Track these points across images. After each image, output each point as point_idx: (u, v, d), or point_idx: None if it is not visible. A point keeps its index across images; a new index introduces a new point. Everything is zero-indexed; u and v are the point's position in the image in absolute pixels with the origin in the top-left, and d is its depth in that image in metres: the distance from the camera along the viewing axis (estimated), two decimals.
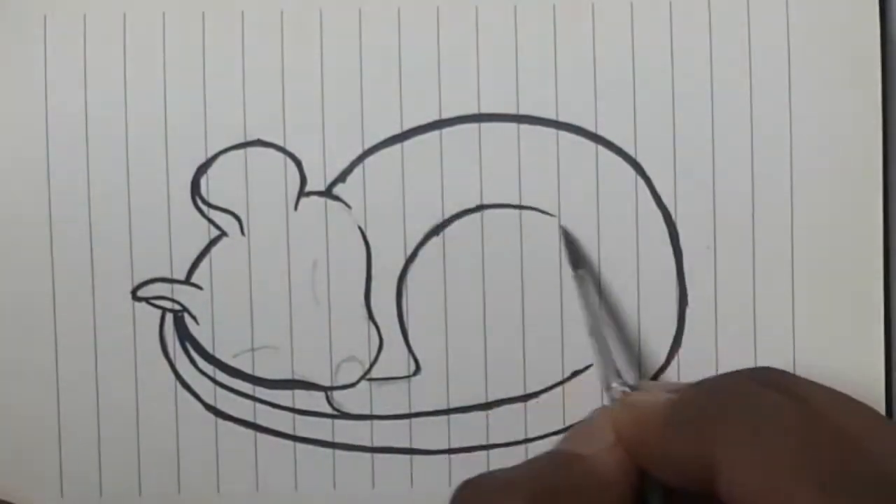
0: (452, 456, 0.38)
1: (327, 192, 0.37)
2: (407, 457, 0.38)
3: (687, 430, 0.28)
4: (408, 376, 0.38)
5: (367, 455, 0.38)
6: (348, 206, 0.37)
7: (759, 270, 0.38)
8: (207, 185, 0.37)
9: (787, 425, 0.27)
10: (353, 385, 0.38)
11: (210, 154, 0.37)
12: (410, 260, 0.38)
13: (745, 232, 0.38)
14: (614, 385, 0.33)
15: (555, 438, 0.37)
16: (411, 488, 0.38)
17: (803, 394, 0.29)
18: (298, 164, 0.37)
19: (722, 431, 0.27)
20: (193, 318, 0.38)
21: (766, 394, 0.28)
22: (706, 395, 0.29)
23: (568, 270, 0.37)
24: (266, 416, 0.38)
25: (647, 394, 0.31)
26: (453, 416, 0.38)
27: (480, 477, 0.29)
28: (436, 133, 0.37)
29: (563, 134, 0.37)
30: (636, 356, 0.37)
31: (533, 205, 0.37)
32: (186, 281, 0.37)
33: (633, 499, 0.29)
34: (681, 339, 0.38)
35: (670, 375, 0.38)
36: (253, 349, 0.38)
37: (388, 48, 0.37)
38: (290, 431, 0.38)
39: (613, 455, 0.29)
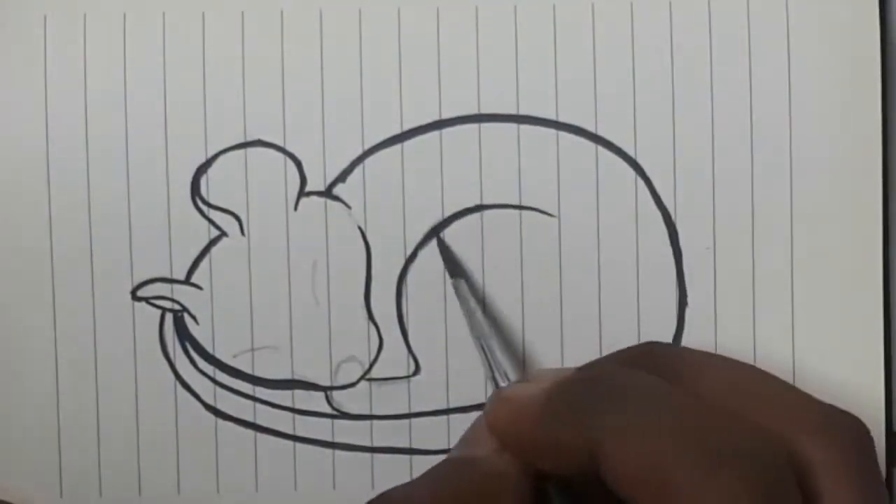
0: None
1: (327, 193, 0.37)
2: (407, 457, 0.38)
3: (562, 421, 0.28)
4: (407, 376, 0.38)
5: (367, 455, 0.38)
6: (348, 206, 0.37)
7: (758, 270, 0.38)
8: (207, 186, 0.37)
9: (662, 407, 0.27)
10: (352, 385, 0.38)
11: (210, 154, 0.37)
12: (410, 260, 0.38)
13: (745, 232, 0.38)
14: (501, 385, 0.33)
15: None
16: None
17: (679, 369, 0.29)
18: (298, 164, 0.37)
19: (598, 419, 0.27)
20: (193, 318, 0.38)
21: (640, 377, 0.28)
22: (581, 383, 0.29)
23: (568, 272, 0.37)
24: (266, 416, 0.38)
25: (521, 386, 0.30)
26: (453, 416, 0.38)
27: (389, 491, 0.29)
28: (436, 133, 0.37)
29: (563, 134, 0.37)
30: (521, 360, 0.37)
31: (533, 205, 0.37)
32: (186, 281, 0.37)
33: (533, 493, 0.29)
34: (681, 339, 0.38)
35: None
36: (253, 349, 0.38)
37: (388, 48, 0.37)
38: (289, 431, 0.38)
39: (505, 452, 0.29)
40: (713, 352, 0.36)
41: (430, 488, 0.28)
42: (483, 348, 0.35)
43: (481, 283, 0.37)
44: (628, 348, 0.32)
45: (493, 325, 0.37)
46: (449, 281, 0.37)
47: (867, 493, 0.28)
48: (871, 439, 0.30)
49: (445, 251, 0.37)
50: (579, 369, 0.30)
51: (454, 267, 0.37)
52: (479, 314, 0.36)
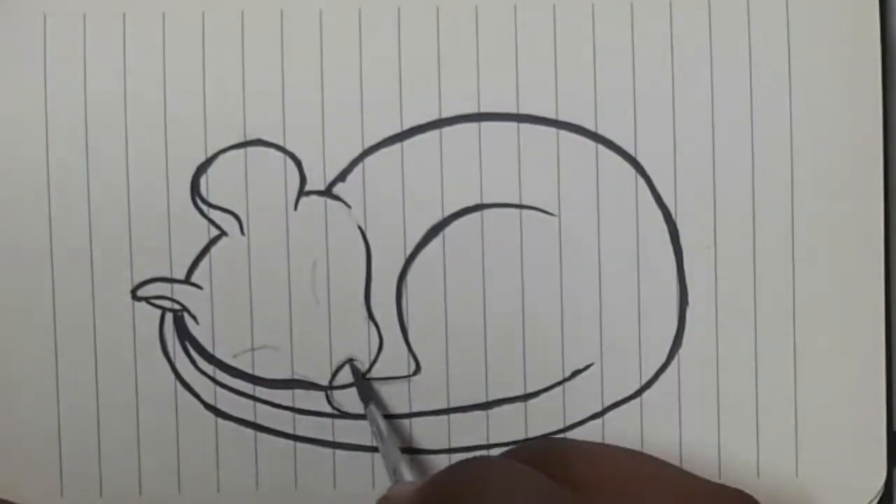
0: (452, 455, 0.38)
1: (327, 192, 0.37)
2: (407, 456, 0.38)
3: None
4: (408, 376, 0.38)
5: (368, 455, 0.38)
6: (348, 205, 0.37)
7: (759, 270, 0.38)
8: (207, 185, 0.37)
9: (530, 500, 0.28)
10: (352, 385, 0.38)
11: (210, 154, 0.37)
12: (410, 259, 0.38)
13: (746, 231, 0.38)
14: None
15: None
16: None
17: (568, 461, 0.30)
18: (298, 163, 0.37)
19: None
20: (193, 317, 0.38)
21: (513, 470, 0.30)
22: (455, 473, 0.30)
23: (568, 271, 0.37)
24: (266, 416, 0.38)
25: (401, 486, 0.33)
26: (453, 416, 0.38)
27: None
28: (436, 132, 0.37)
29: (563, 134, 0.37)
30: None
31: (533, 204, 0.37)
32: (186, 280, 0.37)
33: None
34: (681, 338, 0.38)
35: (671, 374, 0.38)
36: (253, 349, 0.38)
37: (388, 48, 0.37)
38: (290, 431, 0.38)
39: None
40: (600, 441, 0.37)
41: None
42: (393, 471, 0.35)
43: (480, 285, 0.37)
44: (520, 445, 0.34)
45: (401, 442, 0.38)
46: (447, 282, 0.37)
47: None
48: None
49: (357, 377, 0.37)
50: (460, 462, 0.32)
51: (366, 392, 0.37)
52: (389, 439, 0.36)
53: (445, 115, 0.37)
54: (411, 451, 0.38)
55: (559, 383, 0.38)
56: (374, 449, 0.38)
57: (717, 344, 0.38)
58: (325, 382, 0.38)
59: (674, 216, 0.37)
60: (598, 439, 0.38)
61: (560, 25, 0.38)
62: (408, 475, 0.35)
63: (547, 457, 0.31)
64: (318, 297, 0.38)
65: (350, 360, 0.37)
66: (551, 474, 0.30)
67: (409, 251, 0.38)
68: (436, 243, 0.38)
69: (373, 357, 0.38)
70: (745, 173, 0.37)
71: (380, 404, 0.37)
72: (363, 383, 0.37)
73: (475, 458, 0.32)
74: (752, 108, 0.37)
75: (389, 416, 0.38)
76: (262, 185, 0.37)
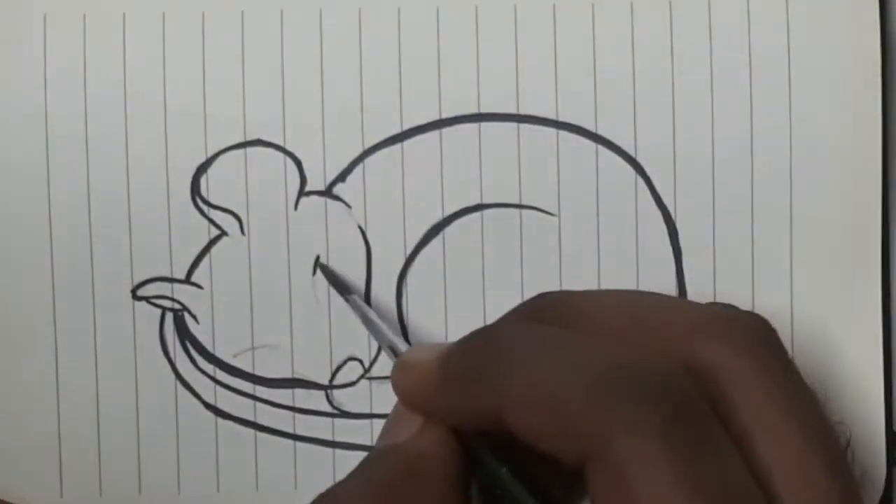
0: None
1: (327, 192, 0.37)
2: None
3: (465, 380, 0.27)
4: None
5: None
6: (348, 205, 0.37)
7: (758, 270, 0.38)
8: (207, 185, 0.37)
9: (553, 352, 0.26)
10: (353, 384, 0.38)
11: (210, 153, 0.37)
12: (410, 259, 0.38)
13: (745, 232, 0.38)
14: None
15: None
16: None
17: (571, 311, 0.29)
18: (298, 163, 0.37)
19: (494, 376, 0.26)
20: (193, 317, 0.38)
21: (531, 327, 0.28)
22: (480, 340, 0.29)
23: (568, 271, 0.37)
24: (266, 415, 0.38)
25: (420, 349, 0.30)
26: None
27: (322, 495, 0.28)
28: (436, 133, 0.37)
29: (563, 134, 0.37)
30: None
31: (533, 204, 0.37)
32: (186, 280, 0.37)
33: (463, 465, 0.28)
34: None
35: None
36: (253, 348, 0.38)
37: (388, 48, 0.37)
38: (290, 430, 0.38)
39: (426, 432, 0.29)
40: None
41: (361, 483, 0.28)
42: (392, 350, 0.34)
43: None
44: (521, 304, 0.31)
45: (391, 324, 0.37)
46: (447, 282, 0.37)
47: (778, 393, 0.27)
48: (775, 335, 0.28)
49: (329, 274, 0.37)
50: (475, 331, 0.30)
51: (341, 286, 0.37)
52: (376, 320, 0.36)
53: (445, 115, 0.37)
54: None
55: None
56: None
57: None
58: (325, 382, 0.38)
59: (673, 216, 0.37)
60: None
61: (560, 25, 0.38)
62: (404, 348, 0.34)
63: (561, 311, 0.29)
64: (318, 296, 0.38)
65: (320, 263, 0.37)
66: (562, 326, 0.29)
67: (409, 251, 0.38)
68: (436, 243, 0.38)
69: (373, 357, 0.38)
70: (744, 174, 0.37)
71: (360, 294, 0.37)
72: (337, 278, 0.37)
73: (495, 323, 0.30)
74: (752, 108, 0.37)
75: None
76: (262, 186, 0.37)
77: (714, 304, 0.30)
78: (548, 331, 0.28)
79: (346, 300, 0.37)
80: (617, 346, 0.26)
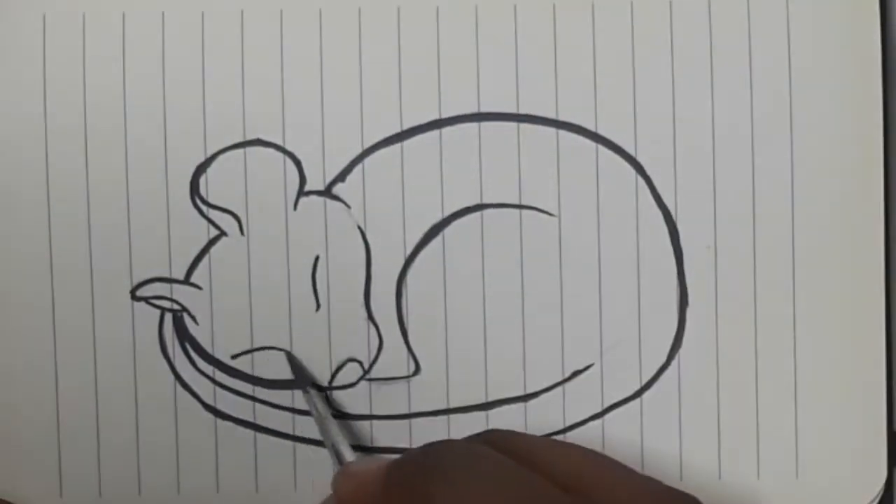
0: None
1: (327, 192, 0.37)
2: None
3: (404, 492, 0.30)
4: (407, 376, 0.38)
5: (366, 455, 0.38)
6: (348, 205, 0.37)
7: (759, 270, 0.37)
8: (207, 185, 0.37)
9: (489, 478, 0.28)
10: (352, 385, 0.38)
11: (209, 153, 0.37)
12: (410, 260, 0.38)
13: (746, 232, 0.37)
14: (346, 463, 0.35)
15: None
16: None
17: (516, 450, 0.31)
18: (298, 163, 0.37)
19: (430, 492, 0.28)
20: (193, 317, 0.38)
21: (475, 449, 0.30)
22: (422, 456, 0.31)
23: (568, 271, 0.37)
24: (265, 416, 0.38)
25: (366, 461, 0.33)
26: (453, 417, 0.38)
27: None
28: (435, 132, 0.37)
29: (563, 133, 0.37)
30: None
31: (533, 204, 0.37)
32: (186, 281, 0.37)
33: None
34: (681, 338, 0.38)
35: (671, 375, 0.38)
36: (252, 349, 0.38)
37: (387, 48, 0.37)
38: (289, 431, 0.38)
39: None
40: (547, 436, 0.38)
41: None
42: (335, 453, 0.35)
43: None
44: (472, 435, 0.34)
45: (342, 427, 0.37)
46: (447, 282, 0.37)
47: None
48: None
49: (293, 362, 0.37)
50: (420, 447, 0.32)
51: (302, 376, 0.37)
52: (329, 419, 0.36)
53: (445, 115, 0.37)
54: None
55: (559, 384, 0.38)
56: (374, 449, 0.38)
57: (717, 344, 0.38)
58: (324, 383, 0.38)
59: (674, 216, 0.37)
60: (598, 440, 0.38)
61: (560, 25, 0.38)
62: (350, 455, 0.35)
63: (509, 444, 0.32)
64: (317, 297, 0.38)
65: (286, 352, 0.37)
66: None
67: (408, 251, 0.38)
68: (435, 243, 0.38)
69: (372, 357, 0.38)
70: (745, 173, 0.37)
71: (317, 389, 0.37)
72: (299, 368, 0.37)
73: (440, 441, 0.32)
74: (752, 108, 0.37)
75: (389, 417, 0.38)
76: (261, 185, 0.37)
77: (654, 482, 0.32)
78: (487, 455, 0.29)
79: (305, 391, 0.37)
80: (549, 486, 0.28)
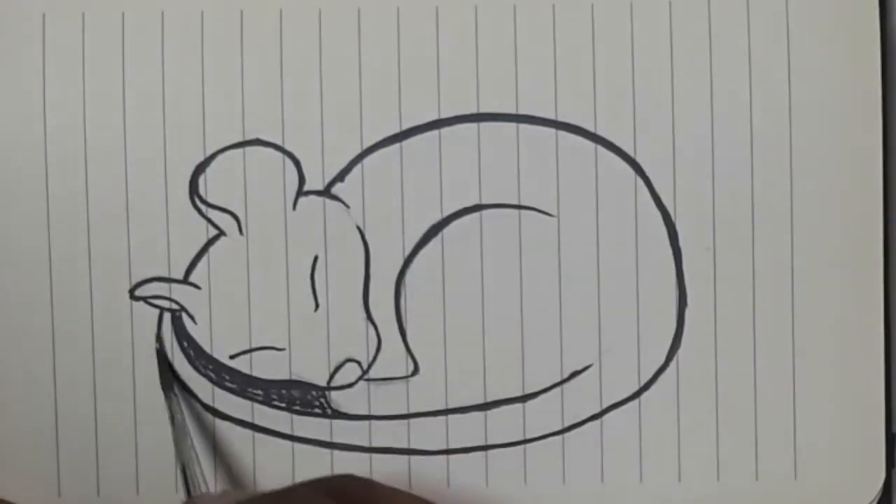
0: (451, 456, 0.38)
1: (326, 192, 0.37)
2: (405, 457, 0.38)
3: None
4: (406, 377, 0.38)
5: (366, 455, 0.38)
6: (347, 205, 0.37)
7: (758, 271, 0.37)
8: (206, 185, 0.37)
9: None
10: (351, 385, 0.38)
11: (208, 153, 0.37)
12: (409, 260, 0.37)
13: (745, 232, 0.37)
14: (195, 494, 0.35)
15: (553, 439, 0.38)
16: (409, 489, 0.38)
17: (370, 498, 0.32)
18: (297, 163, 0.37)
19: None
20: (191, 317, 0.38)
21: (322, 501, 0.30)
22: (267, 500, 0.31)
23: (567, 272, 0.37)
24: (264, 416, 0.38)
25: (212, 496, 0.34)
26: (452, 417, 0.38)
27: None
28: (435, 133, 0.37)
29: (563, 134, 0.37)
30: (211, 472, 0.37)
31: (532, 205, 0.37)
32: (184, 280, 0.37)
33: None
34: (680, 339, 0.37)
35: (670, 376, 0.37)
36: (251, 349, 0.38)
37: (387, 48, 0.37)
38: (287, 431, 0.38)
39: None
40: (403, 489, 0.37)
41: None
42: (183, 467, 0.36)
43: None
44: (325, 476, 0.35)
45: (193, 442, 0.37)
46: (446, 283, 0.37)
47: None
48: None
49: (163, 366, 0.37)
50: (267, 492, 0.33)
51: (167, 380, 0.37)
52: (186, 429, 0.36)
53: (444, 115, 0.37)
54: (409, 452, 0.38)
55: (558, 384, 0.38)
56: (373, 450, 0.38)
57: (715, 345, 0.37)
58: (323, 383, 0.38)
59: (673, 217, 0.37)
60: (596, 441, 0.38)
61: (559, 25, 0.37)
62: (199, 476, 0.35)
63: (351, 492, 0.32)
64: (316, 297, 0.38)
65: (157, 347, 0.37)
66: None
67: (407, 252, 0.38)
68: (434, 244, 0.38)
69: (371, 357, 0.38)
70: (744, 174, 0.37)
71: (179, 397, 0.37)
72: (166, 368, 0.37)
73: (285, 488, 0.33)
74: (752, 108, 0.37)
75: (388, 418, 0.38)
76: (260, 185, 0.37)
77: None
78: None
79: (166, 397, 0.37)
80: None
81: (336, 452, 0.38)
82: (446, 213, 0.37)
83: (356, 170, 0.37)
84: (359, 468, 0.38)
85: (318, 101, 0.37)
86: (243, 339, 0.38)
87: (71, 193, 0.37)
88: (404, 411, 0.38)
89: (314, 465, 0.38)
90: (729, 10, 0.37)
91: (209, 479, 0.38)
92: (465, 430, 0.38)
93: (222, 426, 0.38)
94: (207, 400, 0.38)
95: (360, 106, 0.37)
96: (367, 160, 0.37)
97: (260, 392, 0.38)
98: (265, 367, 0.38)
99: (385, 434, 0.38)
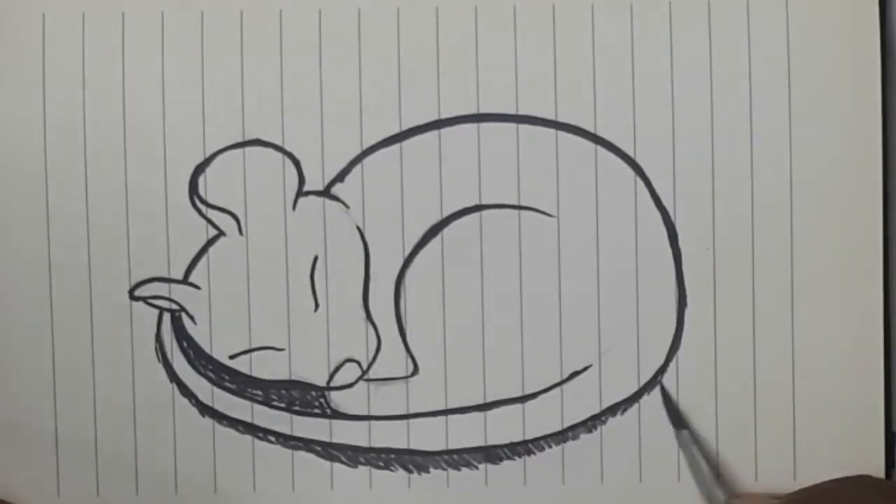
0: (450, 457, 0.38)
1: (326, 192, 0.37)
2: (404, 457, 0.38)
3: None
4: (406, 377, 0.38)
5: (365, 455, 0.38)
6: (347, 205, 0.37)
7: (758, 271, 0.37)
8: (206, 185, 0.37)
9: None
10: (350, 386, 0.38)
11: (208, 153, 0.37)
12: (409, 260, 0.37)
13: (745, 233, 0.37)
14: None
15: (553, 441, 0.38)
16: (409, 489, 0.38)
17: None
18: (297, 163, 0.37)
19: None
20: (191, 317, 0.37)
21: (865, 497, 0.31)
22: (814, 497, 0.32)
23: (567, 272, 0.37)
24: (263, 417, 0.38)
25: (753, 497, 0.34)
26: (451, 417, 0.38)
27: None
28: (435, 133, 0.37)
29: (563, 134, 0.37)
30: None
31: (532, 205, 0.37)
32: (184, 280, 0.37)
33: None
34: (680, 339, 0.37)
35: (669, 376, 0.37)
36: (251, 349, 0.38)
37: (387, 48, 0.37)
38: (287, 432, 0.38)
39: None
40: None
41: None
42: (709, 500, 0.36)
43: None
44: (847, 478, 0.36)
45: (717, 474, 0.37)
46: (445, 283, 0.37)
47: None
48: None
49: (668, 401, 0.37)
50: (805, 489, 0.34)
51: (677, 417, 0.37)
52: (704, 465, 0.36)
53: (444, 115, 0.37)
54: (408, 453, 0.38)
55: (557, 385, 0.38)
56: (372, 450, 0.38)
57: (715, 345, 0.37)
58: (322, 383, 0.38)
59: (672, 218, 0.37)
60: (595, 441, 0.38)
61: (560, 26, 0.37)
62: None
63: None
64: (316, 297, 0.38)
65: (662, 387, 0.37)
66: None
67: (407, 252, 0.37)
68: (434, 244, 0.37)
69: (371, 357, 0.38)
70: (744, 175, 0.37)
71: (694, 432, 0.37)
72: (673, 405, 0.37)
73: (835, 480, 0.35)
74: (752, 109, 0.37)
75: (387, 418, 0.38)
76: (260, 186, 0.37)
77: None
78: None
79: (676, 434, 0.37)
80: None
81: (336, 453, 0.38)
82: (446, 213, 0.37)
83: (356, 170, 0.37)
84: (359, 468, 0.38)
85: (317, 101, 0.37)
86: (243, 339, 0.38)
87: (71, 193, 0.37)
88: (404, 411, 0.38)
89: (314, 466, 0.38)
90: (729, 11, 0.37)
91: (208, 478, 0.38)
92: (465, 430, 0.38)
93: (221, 426, 0.38)
94: (207, 400, 0.38)
95: (360, 106, 0.37)
96: (367, 160, 0.37)
97: (260, 392, 0.38)
98: (265, 368, 0.38)
99: (385, 434, 0.38)
